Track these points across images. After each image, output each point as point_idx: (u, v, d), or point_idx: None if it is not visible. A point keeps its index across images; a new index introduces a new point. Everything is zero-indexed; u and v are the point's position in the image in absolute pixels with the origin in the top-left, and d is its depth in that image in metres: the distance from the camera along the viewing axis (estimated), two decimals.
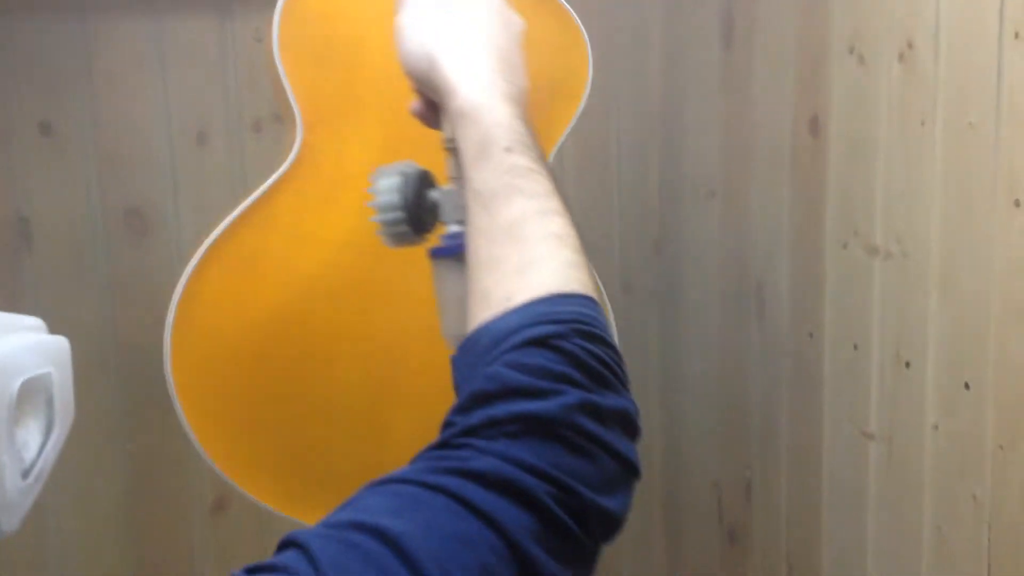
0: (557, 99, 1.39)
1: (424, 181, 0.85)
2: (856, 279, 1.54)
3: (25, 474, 0.72)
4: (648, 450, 2.06)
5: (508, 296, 0.66)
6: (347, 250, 1.32)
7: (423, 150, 1.37)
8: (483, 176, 0.71)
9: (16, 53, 1.71)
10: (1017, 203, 1.22)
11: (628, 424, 0.63)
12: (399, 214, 0.83)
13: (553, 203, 0.71)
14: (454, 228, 0.83)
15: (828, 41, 1.56)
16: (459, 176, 0.81)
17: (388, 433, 1.34)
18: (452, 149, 0.81)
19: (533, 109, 1.38)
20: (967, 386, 1.32)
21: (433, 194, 0.85)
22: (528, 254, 0.68)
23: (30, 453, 0.74)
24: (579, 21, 1.39)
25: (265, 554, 0.53)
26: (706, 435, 2.00)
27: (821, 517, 1.67)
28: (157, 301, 1.32)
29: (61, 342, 0.81)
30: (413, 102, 0.84)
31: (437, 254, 0.83)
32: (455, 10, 0.82)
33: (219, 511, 1.85)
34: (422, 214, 0.84)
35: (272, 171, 1.30)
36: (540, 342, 0.62)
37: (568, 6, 1.39)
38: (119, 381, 1.78)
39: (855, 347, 1.55)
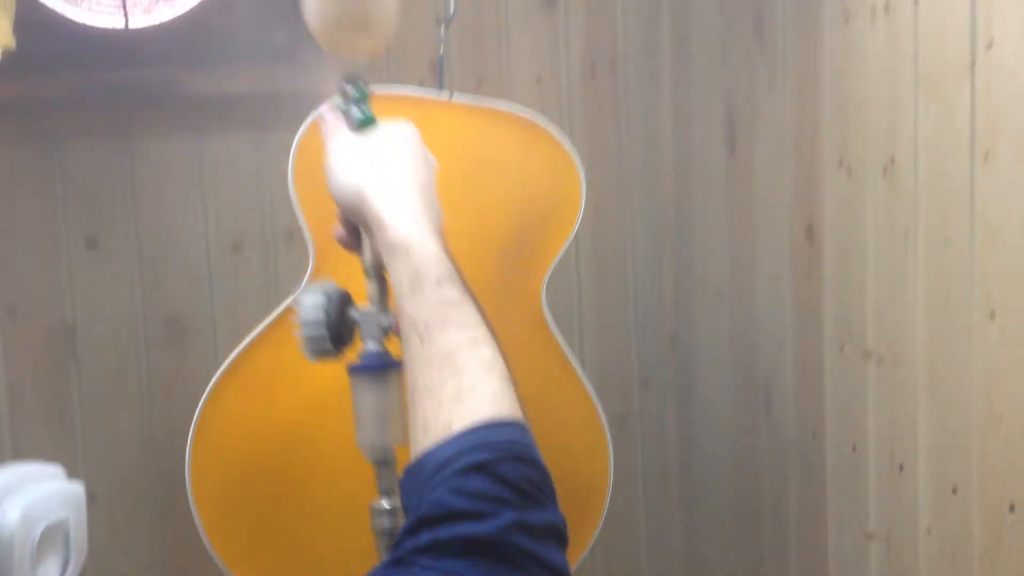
0: (552, 224, 1.48)
1: (345, 301, 0.93)
2: (852, 381, 1.59)
3: None
4: (668, 538, 2.11)
5: (447, 423, 0.73)
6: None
7: None
8: (417, 307, 0.78)
9: (65, 172, 1.84)
10: (992, 315, 1.27)
11: (558, 535, 0.72)
12: (322, 331, 0.91)
13: (482, 332, 0.78)
14: (371, 346, 0.91)
15: (820, 152, 1.63)
16: (379, 300, 0.90)
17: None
18: (374, 275, 0.90)
19: (531, 230, 1.48)
20: (954, 490, 1.37)
21: (353, 314, 0.93)
22: (463, 382, 0.75)
23: None
24: (573, 151, 1.48)
25: None
26: (723, 526, 2.04)
27: None
28: (192, 405, 1.42)
29: (77, 489, 0.93)
30: (336, 228, 0.93)
31: (355, 371, 0.92)
32: (380, 149, 0.90)
33: None
34: (342, 331, 0.92)
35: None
36: (478, 468, 0.70)
37: (562, 136, 1.48)
38: (158, 479, 1.87)
39: (853, 448, 1.60)
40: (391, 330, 0.92)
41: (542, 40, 2.01)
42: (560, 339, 1.51)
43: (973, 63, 1.27)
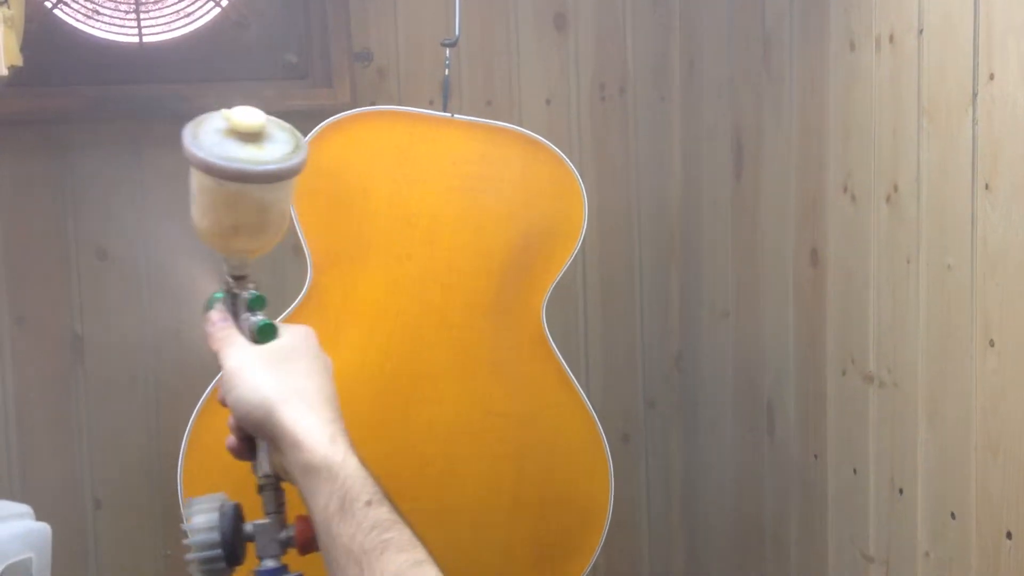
0: (554, 242, 1.50)
1: (238, 515, 0.85)
2: (854, 405, 1.60)
3: None
4: (671, 557, 2.12)
5: None
6: (347, 382, 1.42)
7: (426, 290, 1.49)
8: (351, 532, 0.75)
9: (76, 186, 1.86)
10: (992, 343, 1.29)
11: None
12: (217, 551, 0.83)
13: (421, 552, 0.76)
14: (268, 563, 0.84)
15: (825, 179, 1.65)
16: (275, 511, 0.85)
17: None
18: (268, 486, 0.84)
19: (532, 249, 1.50)
20: (953, 516, 1.38)
21: (248, 528, 0.85)
22: None
23: None
24: (575, 170, 1.50)
25: None
26: (725, 546, 2.05)
27: None
28: None
29: (44, 529, 0.92)
30: (229, 438, 0.88)
31: None
32: (286, 359, 0.85)
33: None
34: (237, 549, 0.85)
35: None
36: None
37: (565, 157, 1.50)
38: (161, 489, 1.88)
39: (854, 471, 1.61)
40: (290, 544, 0.85)
41: (552, 63, 2.03)
42: (559, 357, 1.53)
43: (975, 94, 1.29)
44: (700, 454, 2.09)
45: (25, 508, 0.94)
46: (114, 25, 1.81)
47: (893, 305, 1.49)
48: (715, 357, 2.04)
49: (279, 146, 0.87)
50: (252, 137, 0.87)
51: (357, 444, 1.41)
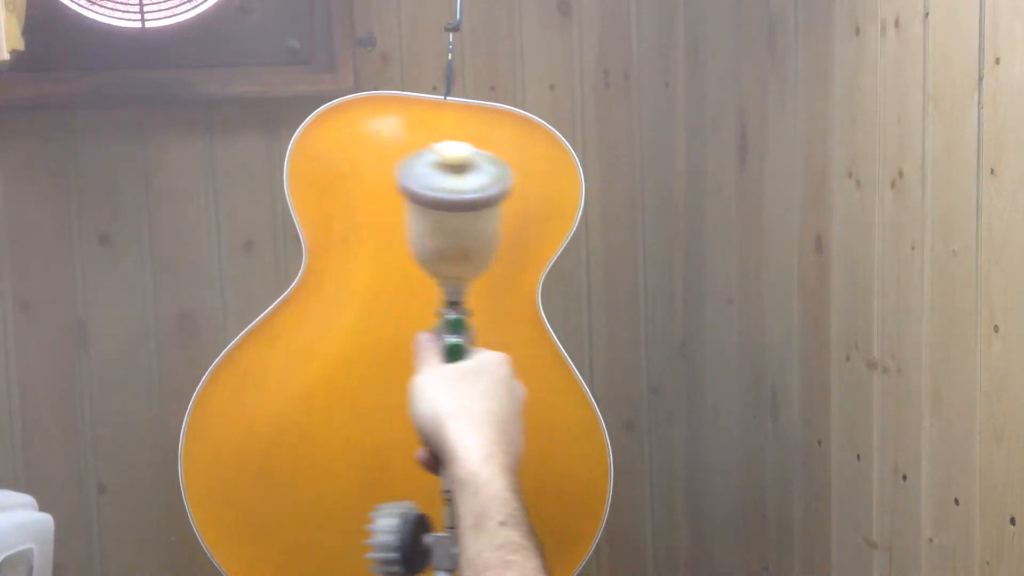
0: (552, 221, 1.50)
1: (421, 525, 0.91)
2: (858, 391, 1.60)
3: None
4: (675, 543, 2.12)
5: None
6: (344, 365, 1.43)
7: (419, 274, 1.48)
8: (477, 547, 0.77)
9: (80, 171, 1.86)
10: (996, 329, 1.28)
11: None
12: (394, 555, 0.89)
13: None
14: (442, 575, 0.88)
15: (829, 164, 1.64)
16: (452, 526, 0.86)
17: None
18: (450, 500, 0.86)
19: (528, 229, 1.49)
20: (956, 502, 1.37)
21: (428, 539, 0.91)
22: None
23: None
24: (572, 151, 1.50)
25: None
26: (728, 532, 2.05)
27: None
28: None
29: (46, 519, 0.93)
30: (420, 451, 0.91)
31: None
32: (467, 379, 0.90)
33: None
34: (415, 557, 0.90)
35: None
36: None
37: (561, 136, 1.50)
38: (167, 474, 1.89)
39: (858, 457, 1.61)
40: None
41: (556, 49, 2.02)
42: (556, 341, 1.52)
43: (981, 79, 1.28)
44: (704, 440, 2.09)
45: (27, 499, 0.94)
46: (117, 10, 1.81)
47: (897, 291, 1.48)
48: (719, 343, 2.04)
49: (480, 177, 0.93)
50: (457, 169, 0.92)
51: (351, 428, 1.42)
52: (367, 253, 1.46)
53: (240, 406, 1.42)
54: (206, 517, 1.40)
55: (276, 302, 1.42)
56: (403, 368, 1.45)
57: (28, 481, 1.80)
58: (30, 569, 0.88)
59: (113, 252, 1.89)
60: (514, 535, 0.77)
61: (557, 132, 1.52)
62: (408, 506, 0.92)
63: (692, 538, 2.13)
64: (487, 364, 0.93)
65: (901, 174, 1.46)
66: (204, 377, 1.39)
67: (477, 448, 0.83)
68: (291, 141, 1.45)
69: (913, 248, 1.44)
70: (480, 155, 0.94)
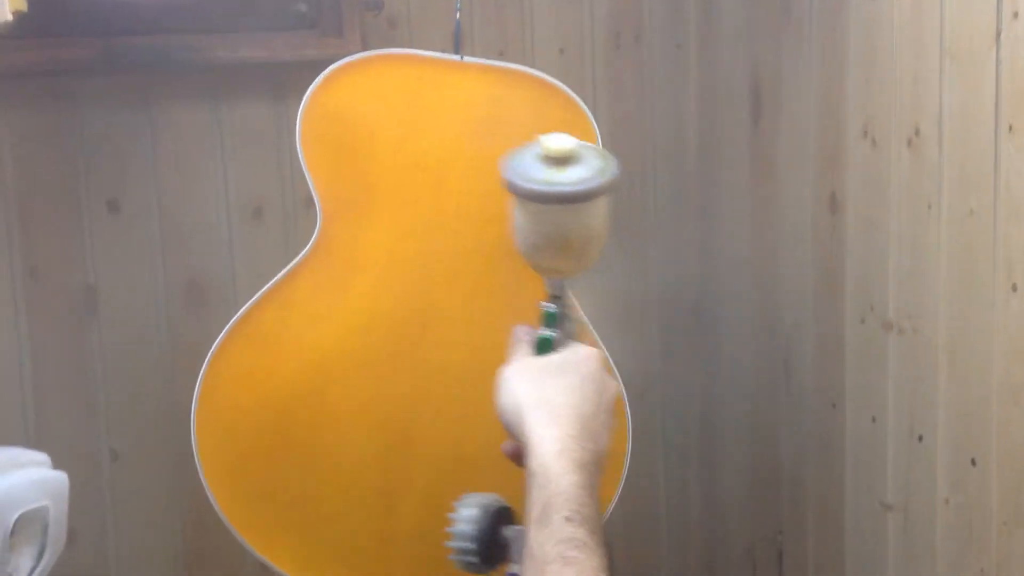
0: None
1: (502, 517, 0.90)
2: (873, 353, 1.59)
3: None
4: (688, 508, 2.11)
5: None
6: (358, 328, 1.41)
7: (435, 236, 1.47)
8: (540, 540, 0.76)
9: (87, 138, 1.85)
10: (1014, 287, 1.27)
11: None
12: (470, 545, 0.88)
13: None
14: (515, 568, 0.87)
15: (844, 123, 1.62)
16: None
17: (398, 504, 1.42)
18: None
19: None
20: (973, 462, 1.36)
21: (507, 532, 0.89)
22: None
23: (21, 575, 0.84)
24: (589, 112, 1.48)
25: None
26: (742, 496, 2.05)
27: None
28: None
29: (61, 477, 0.92)
30: (506, 443, 0.90)
31: None
32: (553, 372, 0.89)
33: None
34: (492, 548, 0.88)
35: None
36: None
37: (577, 97, 1.48)
38: (178, 440, 1.88)
39: (873, 419, 1.59)
40: None
41: (566, 11, 2.00)
42: (575, 302, 1.51)
43: (999, 33, 1.26)
44: (717, 403, 2.08)
45: (42, 456, 0.93)
46: None
47: (913, 251, 1.47)
48: (732, 306, 2.02)
49: (582, 170, 0.92)
50: (560, 161, 0.92)
51: (368, 394, 1.41)
52: (381, 215, 1.44)
53: (255, 371, 1.41)
54: (221, 483, 1.39)
55: (290, 266, 1.40)
56: (422, 330, 1.45)
57: (40, 447, 1.79)
58: (45, 526, 0.88)
59: (122, 218, 1.87)
60: (579, 532, 0.76)
61: (574, 94, 1.50)
62: (492, 498, 0.91)
63: (705, 501, 2.12)
64: (576, 358, 0.92)
65: (917, 132, 1.44)
66: (217, 341, 1.38)
67: (552, 441, 0.82)
68: (304, 98, 1.43)
69: (930, 207, 1.42)
70: (586, 148, 0.94)
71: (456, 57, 1.50)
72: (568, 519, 0.76)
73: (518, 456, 0.88)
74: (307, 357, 1.41)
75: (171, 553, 1.93)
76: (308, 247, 1.41)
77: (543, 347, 0.94)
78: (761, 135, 1.91)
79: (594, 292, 2.01)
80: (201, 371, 1.38)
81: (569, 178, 0.91)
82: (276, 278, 1.40)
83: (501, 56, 1.95)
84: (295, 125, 1.90)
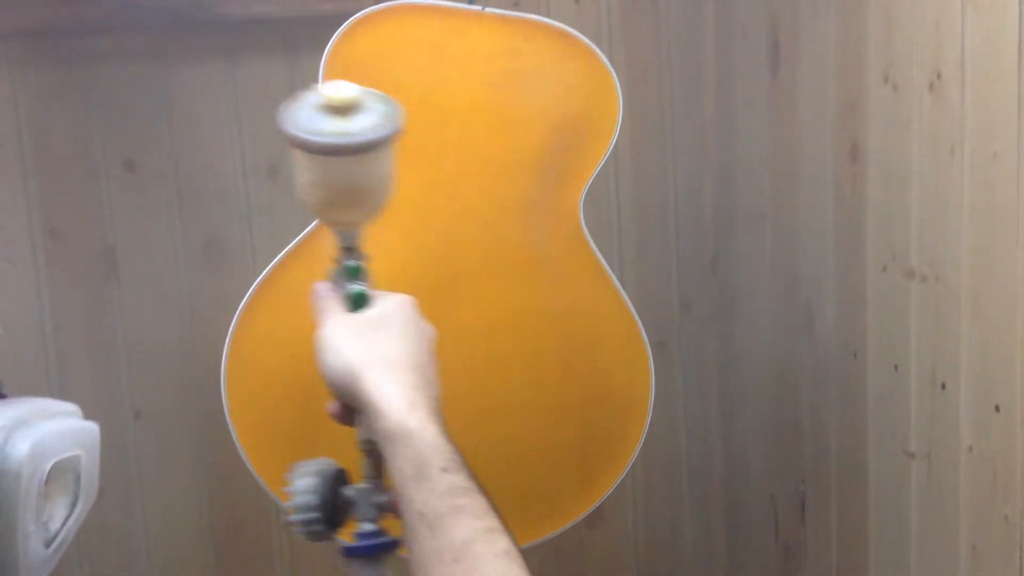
0: (589, 139, 1.46)
1: (339, 480, 0.89)
2: (895, 301, 1.57)
3: (48, 543, 0.83)
4: (709, 460, 2.12)
5: None
6: (387, 284, 1.40)
7: (460, 189, 1.46)
8: (424, 497, 0.74)
9: (103, 97, 1.85)
10: None
11: None
12: (314, 514, 0.87)
13: (495, 521, 0.74)
14: (367, 526, 0.87)
15: (865, 69, 1.60)
16: (373, 475, 0.87)
17: None
18: (368, 451, 0.86)
19: (566, 148, 1.46)
20: (997, 409, 1.35)
21: (348, 492, 0.89)
22: (482, 573, 0.71)
23: (55, 525, 0.85)
24: (609, 65, 1.46)
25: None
26: (763, 448, 2.05)
27: (868, 535, 1.70)
28: (231, 324, 1.43)
29: (92, 427, 0.93)
30: (330, 404, 0.89)
31: (351, 552, 0.86)
32: (376, 327, 0.87)
33: None
34: (336, 512, 0.88)
35: None
36: None
37: (598, 50, 1.46)
38: (200, 398, 1.90)
39: (895, 368, 1.58)
40: (387, 508, 0.88)
41: None
42: (599, 255, 1.50)
43: None
44: (737, 356, 2.07)
45: (72, 407, 0.94)
46: None
47: (936, 197, 1.45)
48: (752, 259, 2.01)
49: (368, 118, 0.88)
50: (343, 110, 0.88)
51: None
52: (405, 169, 1.43)
53: (284, 330, 1.40)
54: (254, 444, 1.39)
55: (314, 223, 1.39)
56: (448, 285, 1.45)
57: None
58: (78, 476, 0.88)
59: (139, 178, 1.88)
60: (457, 479, 0.75)
61: (594, 45, 1.48)
62: (325, 462, 0.90)
63: (727, 454, 2.12)
64: (394, 309, 0.90)
65: (939, 75, 1.41)
66: (244, 299, 1.37)
67: (399, 397, 0.80)
68: (325, 51, 1.41)
69: (952, 152, 1.40)
70: (368, 93, 0.90)
71: (477, 7, 1.48)
72: (444, 469, 0.75)
73: (346, 416, 0.88)
74: None
75: (197, 508, 1.96)
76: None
77: (359, 302, 0.92)
78: (779, 85, 1.89)
79: (611, 243, 2.01)
80: (230, 330, 1.37)
81: (358, 126, 0.87)
82: (301, 236, 1.39)
83: (516, 6, 1.93)
84: (309, 81, 1.89)
